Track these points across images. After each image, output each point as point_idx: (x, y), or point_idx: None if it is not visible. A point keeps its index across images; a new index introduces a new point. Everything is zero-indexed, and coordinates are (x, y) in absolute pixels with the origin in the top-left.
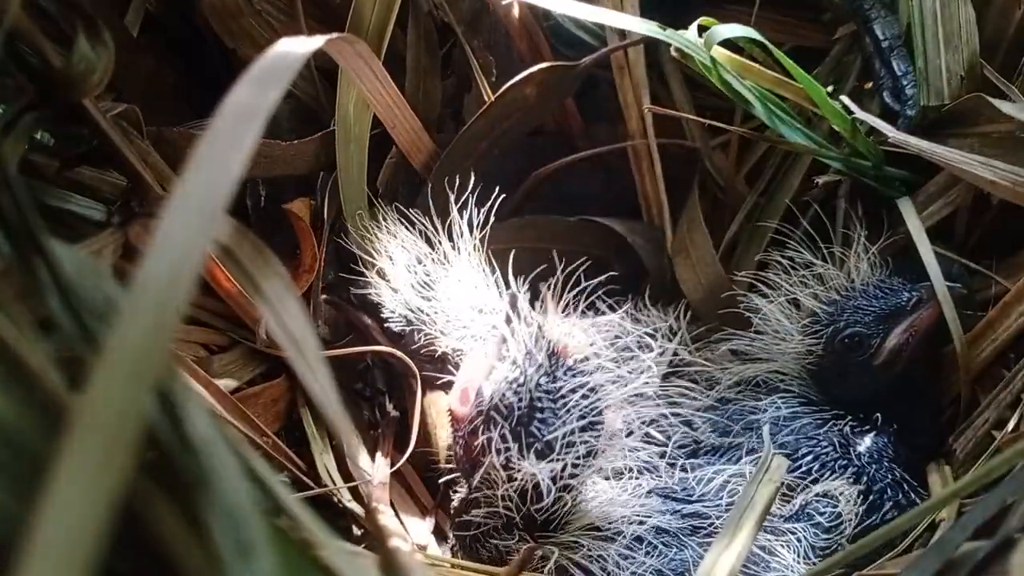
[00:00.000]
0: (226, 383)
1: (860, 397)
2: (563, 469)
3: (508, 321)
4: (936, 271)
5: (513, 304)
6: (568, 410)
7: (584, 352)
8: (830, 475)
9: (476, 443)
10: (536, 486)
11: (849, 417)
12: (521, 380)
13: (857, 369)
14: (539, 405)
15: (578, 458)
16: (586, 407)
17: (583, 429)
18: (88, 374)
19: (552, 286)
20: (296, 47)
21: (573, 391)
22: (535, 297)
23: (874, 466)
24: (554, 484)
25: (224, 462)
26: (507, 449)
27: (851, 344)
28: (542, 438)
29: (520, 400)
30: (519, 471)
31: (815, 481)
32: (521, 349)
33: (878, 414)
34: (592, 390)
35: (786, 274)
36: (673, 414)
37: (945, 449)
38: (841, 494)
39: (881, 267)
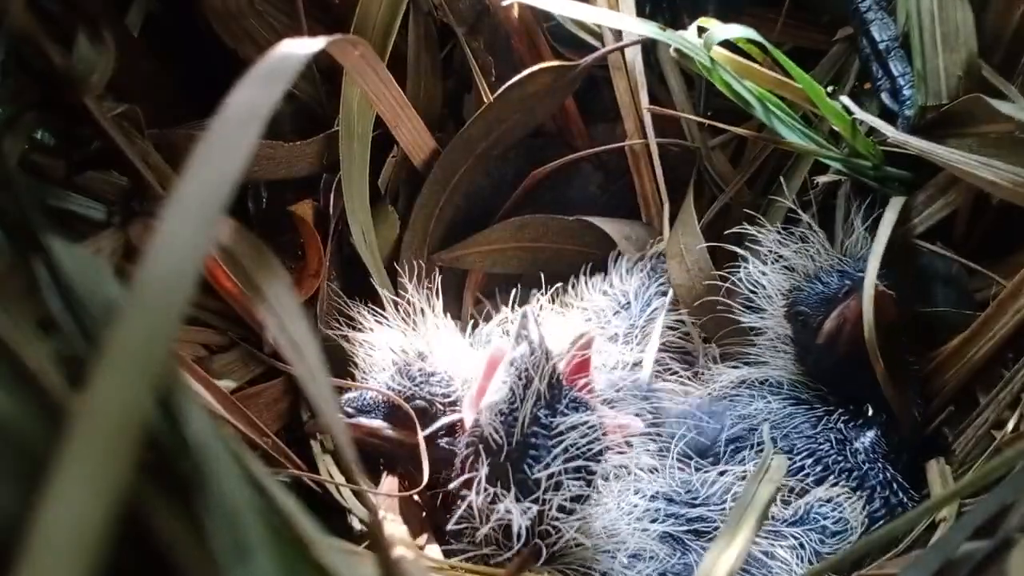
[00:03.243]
0: (226, 383)
1: (825, 376)
2: (548, 511)
3: (514, 346)
4: (875, 266)
5: (522, 327)
6: (564, 448)
7: (592, 385)
8: (825, 472)
9: (461, 475)
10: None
11: (841, 411)
12: (516, 414)
13: (807, 346)
14: (533, 441)
15: (565, 501)
16: (584, 447)
17: (576, 470)
18: (88, 374)
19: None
20: (299, 48)
21: (573, 428)
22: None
23: (868, 464)
24: (534, 528)
25: (222, 463)
26: (489, 488)
27: (799, 320)
28: (529, 476)
29: (511, 436)
30: (500, 510)
31: (817, 481)
32: (520, 379)
33: (867, 406)
34: (592, 428)
35: (759, 245)
36: (672, 421)
37: (936, 446)
38: (845, 500)
39: (849, 251)
